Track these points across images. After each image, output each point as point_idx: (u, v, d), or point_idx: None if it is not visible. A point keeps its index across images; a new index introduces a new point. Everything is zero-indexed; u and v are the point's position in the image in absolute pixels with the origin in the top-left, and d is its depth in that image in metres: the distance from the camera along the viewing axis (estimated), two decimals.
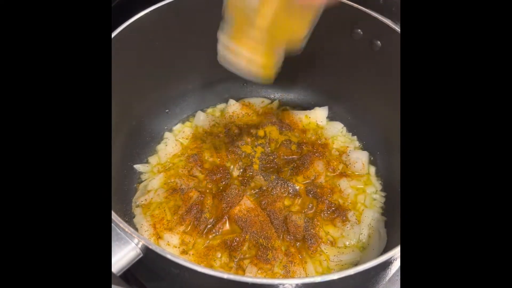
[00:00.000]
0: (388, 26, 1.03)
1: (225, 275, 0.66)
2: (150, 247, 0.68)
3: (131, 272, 0.94)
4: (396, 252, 0.70)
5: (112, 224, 0.71)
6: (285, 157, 1.19)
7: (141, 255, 0.70)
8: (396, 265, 0.82)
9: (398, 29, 1.02)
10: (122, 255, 0.69)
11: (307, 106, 1.34)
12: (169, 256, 0.67)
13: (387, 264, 0.73)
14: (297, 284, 0.66)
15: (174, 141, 1.24)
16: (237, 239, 1.02)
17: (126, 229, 0.70)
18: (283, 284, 0.66)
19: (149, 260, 0.72)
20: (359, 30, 1.09)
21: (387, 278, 0.90)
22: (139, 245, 0.70)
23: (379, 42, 1.07)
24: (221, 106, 1.34)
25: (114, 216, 0.71)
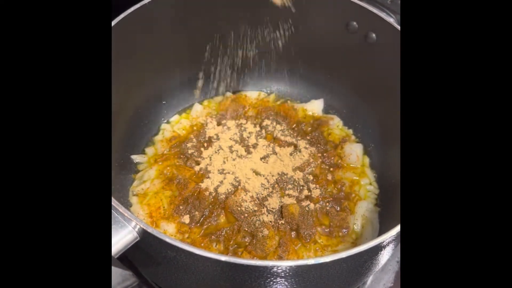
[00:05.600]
0: (383, 19, 1.04)
1: (222, 257, 0.66)
2: (148, 230, 0.69)
3: (128, 258, 0.95)
4: (387, 237, 0.71)
5: None
6: (282, 149, 1.20)
7: (138, 238, 0.71)
8: (388, 252, 0.83)
9: (393, 22, 1.03)
10: (119, 238, 0.69)
11: (303, 99, 1.35)
12: (166, 239, 0.68)
13: (379, 248, 0.74)
14: (291, 267, 0.68)
15: (171, 132, 1.26)
16: (232, 228, 1.04)
17: (125, 213, 0.71)
18: (277, 266, 0.67)
19: (145, 244, 0.73)
20: (355, 23, 1.10)
21: (380, 265, 0.91)
22: (136, 229, 0.71)
23: (374, 35, 1.08)
24: (218, 98, 1.35)
25: (112, 199, 0.71)
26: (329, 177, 1.17)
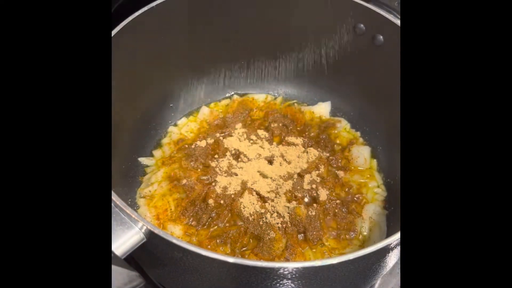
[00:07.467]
0: (390, 21, 1.04)
1: (229, 259, 0.66)
2: (154, 231, 0.69)
3: (134, 259, 0.95)
4: (395, 239, 0.70)
5: (116, 209, 0.72)
6: (289, 151, 1.20)
7: (145, 239, 0.71)
8: (396, 255, 0.83)
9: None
10: (126, 239, 0.70)
11: (310, 102, 1.35)
12: (173, 240, 0.68)
13: (386, 250, 0.73)
14: (297, 268, 0.67)
15: (178, 134, 1.26)
16: (239, 230, 1.03)
17: (132, 215, 0.71)
18: (284, 268, 0.67)
19: (152, 245, 0.73)
20: (362, 25, 1.10)
21: (387, 268, 0.90)
22: (143, 230, 0.71)
23: (381, 37, 1.08)
24: (225, 101, 1.36)
25: (119, 201, 0.72)
26: (337, 179, 1.16)
